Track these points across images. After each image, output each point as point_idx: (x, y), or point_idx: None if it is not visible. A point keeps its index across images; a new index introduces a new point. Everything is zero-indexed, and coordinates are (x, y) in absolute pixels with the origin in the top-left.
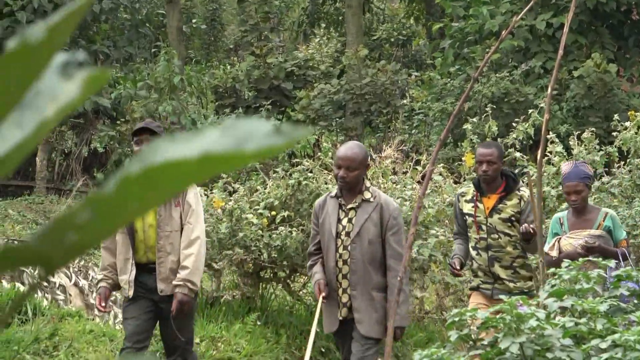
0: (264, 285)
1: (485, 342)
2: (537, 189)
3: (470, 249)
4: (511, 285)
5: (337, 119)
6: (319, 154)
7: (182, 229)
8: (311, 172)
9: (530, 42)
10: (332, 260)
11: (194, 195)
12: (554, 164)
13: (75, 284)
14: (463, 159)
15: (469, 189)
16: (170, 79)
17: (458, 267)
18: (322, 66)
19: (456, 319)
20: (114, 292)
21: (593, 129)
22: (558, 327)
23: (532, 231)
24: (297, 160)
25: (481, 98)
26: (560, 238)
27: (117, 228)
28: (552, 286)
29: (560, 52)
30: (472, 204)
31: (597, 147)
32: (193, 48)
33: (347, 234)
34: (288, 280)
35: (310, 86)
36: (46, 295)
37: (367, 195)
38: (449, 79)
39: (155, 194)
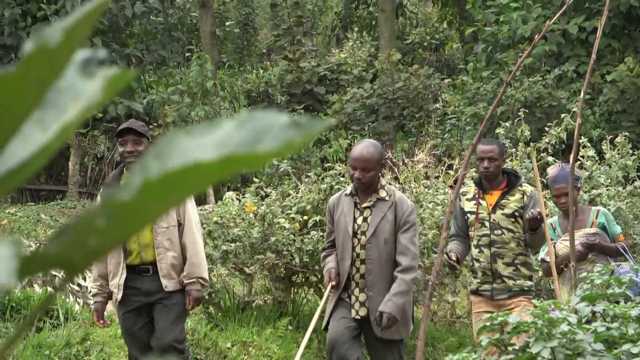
0: (295, 290)
1: (516, 347)
2: (569, 193)
3: (472, 248)
4: (511, 283)
5: (370, 124)
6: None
7: (178, 224)
8: (343, 176)
9: (563, 47)
10: (348, 259)
11: None
12: (586, 168)
13: None
14: None
15: (470, 187)
16: (203, 83)
17: (454, 259)
18: (354, 70)
19: (487, 324)
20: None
21: (626, 133)
22: (590, 332)
23: (539, 217)
24: (330, 164)
25: (514, 102)
26: (555, 243)
27: (137, 230)
28: (584, 291)
29: (593, 56)
30: (474, 202)
31: (630, 151)
32: (226, 52)
33: (364, 233)
34: (320, 285)
35: (343, 90)
36: (78, 300)
37: (382, 193)
38: (481, 83)
39: (175, 196)
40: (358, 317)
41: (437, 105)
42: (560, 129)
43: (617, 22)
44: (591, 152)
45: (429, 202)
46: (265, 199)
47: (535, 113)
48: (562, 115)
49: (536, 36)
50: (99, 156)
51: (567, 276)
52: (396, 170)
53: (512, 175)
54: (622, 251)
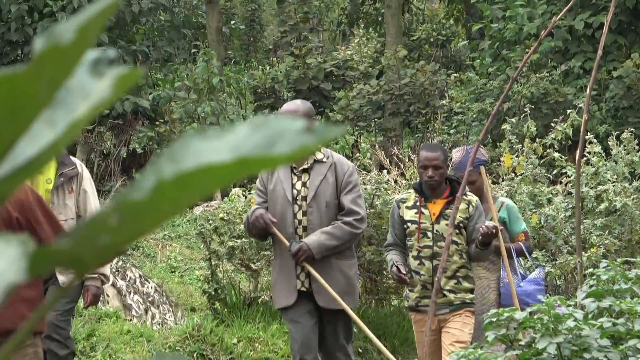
0: None
1: (522, 343)
2: (575, 189)
3: (411, 260)
4: (452, 296)
5: (376, 120)
6: (358, 154)
7: (77, 216)
8: None
9: (569, 43)
10: (289, 227)
11: (89, 181)
12: (592, 164)
13: (113, 285)
14: (501, 159)
15: (409, 194)
16: (209, 79)
17: (403, 271)
18: (361, 67)
19: (494, 319)
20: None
21: (632, 129)
22: (596, 328)
23: (494, 231)
24: None
25: (520, 98)
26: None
27: (149, 230)
28: (590, 286)
29: (600, 52)
30: (416, 210)
31: (637, 147)
32: (232, 49)
33: (304, 199)
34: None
35: (349, 87)
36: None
37: (319, 155)
38: (488, 80)
39: (188, 197)
40: (304, 289)
41: (444, 101)
42: (566, 124)
43: (624, 18)
44: (597, 148)
45: None
46: None
47: (541, 109)
48: (569, 111)
49: (542, 32)
50: (105, 152)
51: None
52: (402, 166)
53: (456, 183)
54: (515, 254)
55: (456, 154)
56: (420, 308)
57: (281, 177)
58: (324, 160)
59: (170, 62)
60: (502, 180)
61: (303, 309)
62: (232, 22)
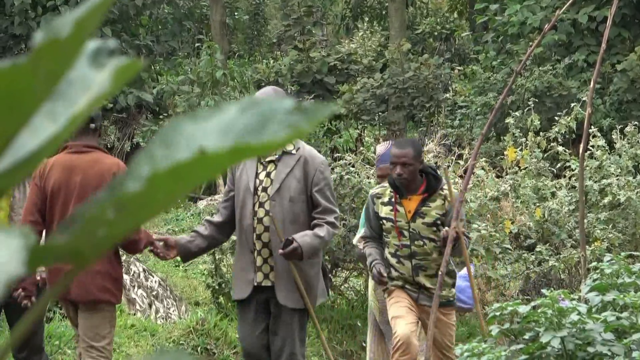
0: None
1: (526, 337)
2: (579, 183)
3: (389, 256)
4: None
5: (380, 113)
6: (362, 148)
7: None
8: (353, 166)
9: (573, 36)
10: (248, 218)
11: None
12: (596, 158)
13: None
14: (505, 153)
15: (384, 189)
16: (212, 73)
17: (385, 274)
18: (365, 60)
19: (497, 313)
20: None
21: (636, 122)
22: (600, 322)
23: (455, 234)
24: (340, 154)
25: (524, 92)
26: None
27: (145, 221)
28: (594, 280)
29: (603, 45)
30: (391, 207)
31: None
32: (236, 42)
33: (265, 190)
34: (329, 275)
35: (353, 80)
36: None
37: (288, 146)
38: (491, 73)
39: (183, 186)
40: (264, 283)
41: (448, 94)
42: (570, 118)
43: (627, 12)
44: (601, 142)
45: None
46: None
47: (545, 102)
48: (572, 104)
49: (546, 26)
50: (109, 146)
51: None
52: None
53: (432, 177)
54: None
55: (379, 148)
56: (406, 289)
57: (247, 165)
58: (293, 152)
59: (174, 55)
60: (506, 174)
61: (256, 308)
62: (236, 15)
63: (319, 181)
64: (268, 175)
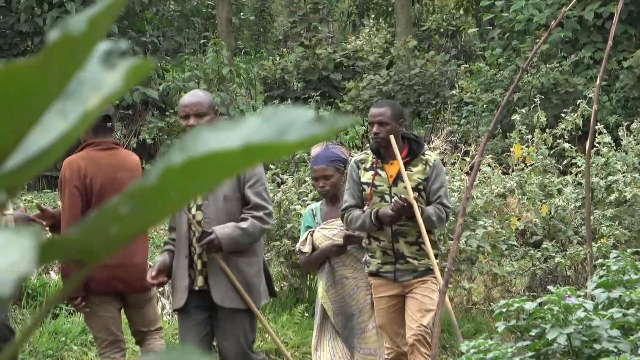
0: (311, 277)
1: (532, 334)
2: (585, 180)
3: None
4: (415, 263)
5: None
6: (368, 145)
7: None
8: None
9: (579, 33)
10: (184, 223)
11: None
12: (602, 154)
13: None
14: (512, 149)
15: (367, 155)
16: (219, 70)
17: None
18: (371, 57)
19: (504, 310)
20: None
21: None
22: (606, 318)
23: (405, 204)
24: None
25: (530, 89)
26: (313, 231)
27: (158, 219)
28: (600, 277)
29: (610, 42)
30: (372, 172)
31: None
32: (242, 39)
33: None
34: None
35: (359, 77)
36: None
37: None
38: (498, 70)
39: (197, 185)
40: (200, 287)
41: (454, 91)
42: (576, 115)
43: (634, 9)
44: (607, 139)
45: None
46: (282, 186)
47: (551, 99)
48: (579, 101)
49: (552, 23)
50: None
51: (325, 270)
52: None
53: (414, 142)
54: None
55: (314, 149)
56: (381, 274)
57: None
58: None
59: (180, 52)
60: (512, 171)
61: (196, 313)
62: (242, 13)
63: (251, 177)
64: None
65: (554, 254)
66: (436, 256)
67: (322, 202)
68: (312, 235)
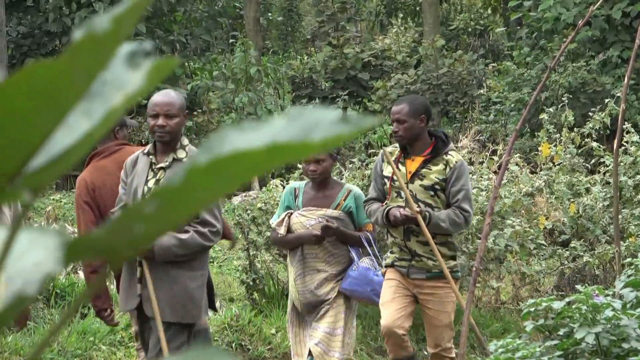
0: None
1: (561, 333)
2: (613, 179)
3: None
4: (430, 263)
5: None
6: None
7: None
8: None
9: (607, 32)
10: None
11: None
12: (630, 153)
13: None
14: (539, 148)
15: (395, 149)
16: (246, 69)
17: (405, 214)
18: (399, 56)
19: (532, 309)
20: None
21: None
22: (634, 317)
23: (405, 216)
24: (374, 150)
25: (558, 88)
26: (291, 213)
27: (183, 219)
28: (629, 276)
29: (637, 41)
30: (395, 166)
31: None
32: (270, 39)
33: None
34: None
35: (387, 76)
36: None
37: (181, 154)
38: (525, 69)
39: (223, 184)
40: (139, 293)
41: (482, 90)
42: (604, 114)
43: None
44: (635, 138)
45: (473, 188)
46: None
47: (579, 98)
48: (606, 100)
49: (580, 22)
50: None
51: (297, 258)
52: None
53: (440, 140)
54: (366, 242)
55: None
56: (396, 267)
57: (139, 171)
58: (184, 159)
59: (208, 52)
60: (540, 170)
61: (146, 323)
62: (270, 13)
63: None
64: (157, 182)
65: (582, 253)
66: (454, 258)
67: (307, 184)
68: (289, 217)
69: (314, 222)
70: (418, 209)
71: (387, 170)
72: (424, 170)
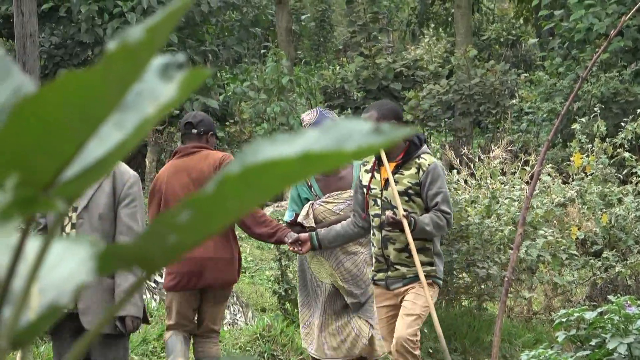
0: None
1: (593, 343)
2: None
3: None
4: (404, 269)
5: (446, 120)
6: None
7: None
8: None
9: (639, 42)
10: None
11: None
12: None
13: None
14: (572, 159)
15: (371, 157)
16: (278, 79)
17: (292, 242)
18: (431, 66)
19: (564, 320)
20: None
21: None
22: None
23: (392, 219)
24: None
25: (590, 98)
26: (313, 204)
27: (216, 229)
28: None
29: None
30: (371, 174)
31: None
32: (302, 49)
33: (74, 209)
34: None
35: (419, 87)
36: (154, 296)
37: None
38: (557, 79)
39: (255, 194)
40: (67, 310)
41: (514, 101)
42: (636, 124)
43: None
44: None
45: (505, 198)
46: None
47: (611, 108)
48: (639, 110)
49: (612, 32)
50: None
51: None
52: (472, 166)
53: (412, 144)
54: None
55: (308, 116)
56: (376, 282)
57: None
58: None
59: (240, 62)
60: (572, 180)
61: (70, 337)
62: (302, 20)
63: (125, 197)
64: None
65: (614, 264)
66: (431, 264)
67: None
68: (312, 207)
69: (344, 206)
70: (404, 213)
71: (365, 179)
72: (396, 175)
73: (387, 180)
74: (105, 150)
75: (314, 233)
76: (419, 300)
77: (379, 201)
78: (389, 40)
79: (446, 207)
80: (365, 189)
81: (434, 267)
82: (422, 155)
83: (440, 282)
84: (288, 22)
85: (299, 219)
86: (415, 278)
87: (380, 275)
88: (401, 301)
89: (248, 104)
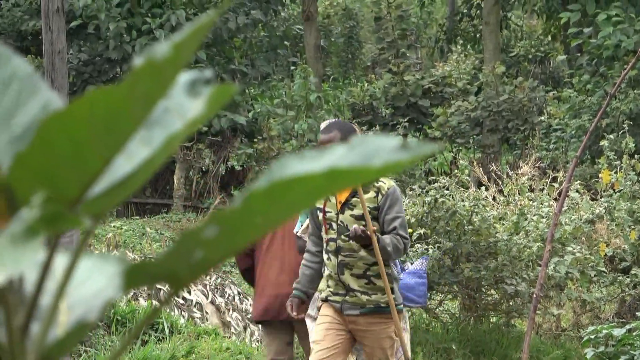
0: None
1: None
2: None
3: (324, 253)
4: (364, 298)
5: (475, 136)
6: (456, 171)
7: None
8: (448, 189)
9: None
10: None
11: None
12: None
13: (212, 302)
14: (600, 175)
15: None
16: (307, 96)
17: (295, 311)
18: (459, 83)
19: (592, 337)
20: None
21: None
22: None
23: (362, 234)
24: (434, 177)
25: (619, 114)
26: (324, 212)
27: (243, 244)
28: None
29: None
30: (326, 197)
31: None
32: (330, 65)
33: None
34: None
35: (448, 103)
36: (183, 313)
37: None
38: (586, 96)
39: (282, 210)
40: None
41: (542, 117)
42: None
43: None
44: None
45: (534, 215)
46: None
47: None
48: None
49: None
50: (204, 170)
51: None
52: (500, 182)
53: None
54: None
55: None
56: (330, 301)
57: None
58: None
59: (268, 78)
60: (601, 197)
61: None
62: (332, 37)
63: None
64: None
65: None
66: (392, 290)
67: None
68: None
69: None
70: (374, 228)
71: (320, 202)
72: (353, 199)
73: (343, 203)
74: (132, 166)
75: (297, 292)
76: (384, 343)
77: (334, 225)
78: (417, 57)
79: (404, 232)
80: (320, 212)
81: (393, 295)
82: (380, 179)
83: (402, 306)
84: (316, 39)
85: (299, 233)
86: (375, 310)
87: (337, 297)
88: (357, 334)
89: (276, 121)
